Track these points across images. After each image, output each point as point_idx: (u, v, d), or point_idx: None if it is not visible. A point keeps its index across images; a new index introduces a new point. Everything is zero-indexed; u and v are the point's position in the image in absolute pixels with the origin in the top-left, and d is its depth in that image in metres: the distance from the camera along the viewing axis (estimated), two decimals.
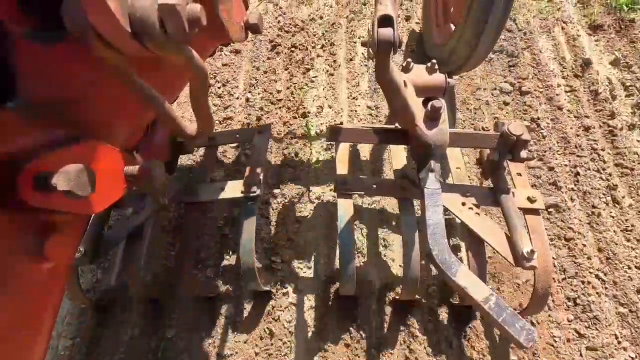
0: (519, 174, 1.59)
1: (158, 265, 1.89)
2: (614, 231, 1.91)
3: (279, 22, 2.78)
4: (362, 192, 1.59)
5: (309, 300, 1.79)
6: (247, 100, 2.43)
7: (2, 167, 0.63)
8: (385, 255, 1.87)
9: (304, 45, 2.64)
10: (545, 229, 1.59)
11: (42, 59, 0.69)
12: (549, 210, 1.92)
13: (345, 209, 1.53)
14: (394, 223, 1.95)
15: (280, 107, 2.38)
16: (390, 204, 2.00)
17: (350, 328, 1.69)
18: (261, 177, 1.56)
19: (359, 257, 1.86)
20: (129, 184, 0.88)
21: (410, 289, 1.50)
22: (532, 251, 1.29)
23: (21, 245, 0.68)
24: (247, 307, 1.79)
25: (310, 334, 1.71)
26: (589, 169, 2.10)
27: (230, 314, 1.77)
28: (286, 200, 2.05)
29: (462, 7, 1.82)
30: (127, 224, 1.49)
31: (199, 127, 0.92)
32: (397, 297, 1.73)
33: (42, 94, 0.71)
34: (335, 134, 1.57)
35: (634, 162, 2.10)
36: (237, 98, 2.45)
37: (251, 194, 1.51)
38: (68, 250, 0.81)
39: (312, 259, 1.90)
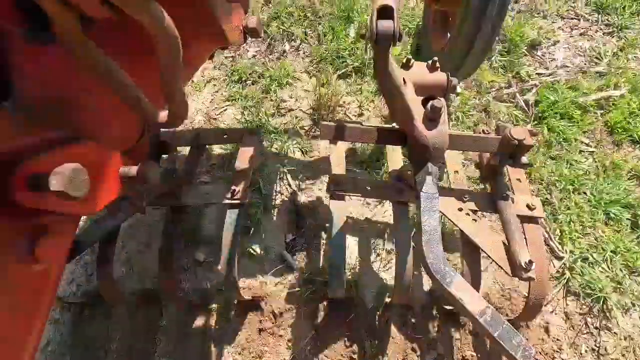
0: (519, 180, 1.54)
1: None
2: None
3: None
4: (356, 194, 1.53)
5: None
6: None
7: None
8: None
9: None
10: None
11: (38, 59, 0.68)
12: None
13: (337, 210, 1.47)
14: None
15: None
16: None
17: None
18: (248, 183, 1.48)
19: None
20: (124, 186, 0.86)
21: (402, 295, 1.45)
22: (531, 262, 1.23)
23: (12, 246, 0.66)
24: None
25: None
26: None
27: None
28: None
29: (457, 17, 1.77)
30: (101, 226, 1.40)
31: (171, 111, 0.81)
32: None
33: (38, 94, 0.69)
34: (329, 132, 1.49)
35: None
36: None
37: (236, 201, 1.44)
38: (60, 252, 0.79)
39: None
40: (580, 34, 2.58)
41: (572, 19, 2.65)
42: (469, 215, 1.42)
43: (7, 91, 0.65)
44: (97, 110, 0.82)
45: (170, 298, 1.64)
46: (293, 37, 2.60)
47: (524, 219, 1.43)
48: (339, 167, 1.58)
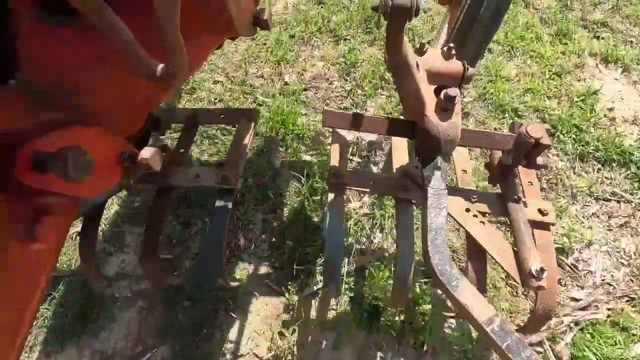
0: (530, 183, 1.45)
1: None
2: None
3: None
4: (358, 189, 1.44)
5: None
6: None
7: None
8: None
9: None
10: None
11: (47, 40, 0.68)
12: None
13: (335, 203, 1.38)
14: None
15: None
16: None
17: None
18: (241, 168, 1.40)
19: None
20: (127, 170, 0.87)
21: (400, 299, 1.35)
22: (542, 269, 1.14)
23: (11, 225, 0.66)
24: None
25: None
26: None
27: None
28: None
29: None
30: (85, 202, 1.30)
31: (168, 63, 0.72)
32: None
33: (45, 76, 0.69)
34: (335, 120, 1.40)
35: None
36: None
37: (227, 186, 1.35)
38: (59, 234, 0.80)
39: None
40: (621, 226, 1.99)
41: (608, 200, 2.06)
42: (476, 217, 1.33)
43: (14, 70, 0.64)
44: (105, 96, 0.82)
45: (152, 280, 1.55)
46: (250, 226, 1.91)
47: (535, 225, 1.34)
48: (340, 159, 1.49)
